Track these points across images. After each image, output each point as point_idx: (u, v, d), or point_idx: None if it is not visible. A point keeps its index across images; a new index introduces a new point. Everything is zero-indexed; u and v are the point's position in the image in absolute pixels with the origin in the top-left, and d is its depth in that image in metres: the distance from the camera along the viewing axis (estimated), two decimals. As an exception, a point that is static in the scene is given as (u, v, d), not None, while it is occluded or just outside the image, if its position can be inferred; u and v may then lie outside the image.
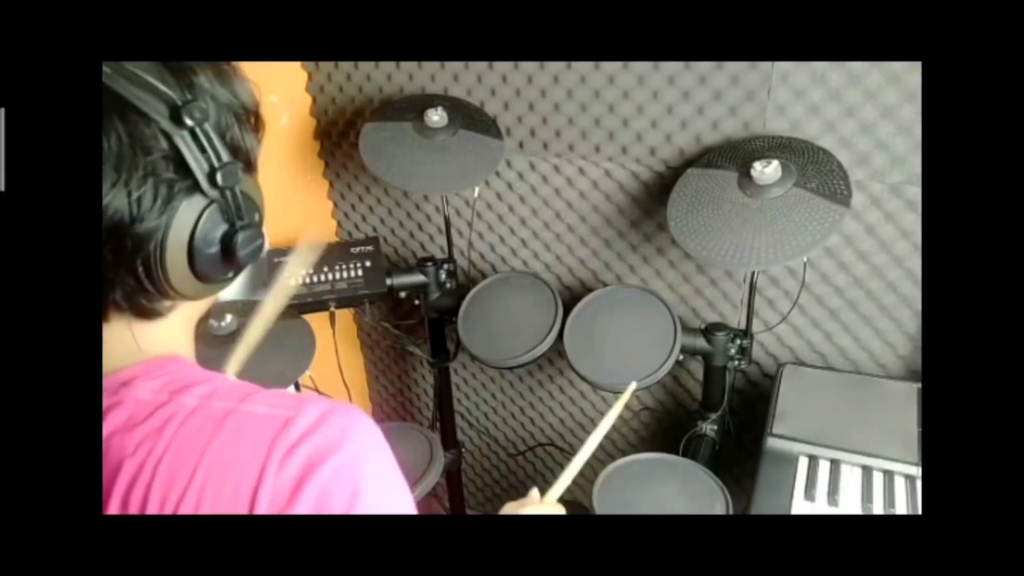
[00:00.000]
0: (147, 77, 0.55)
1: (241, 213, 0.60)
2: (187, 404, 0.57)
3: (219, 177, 0.57)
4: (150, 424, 0.56)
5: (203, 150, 0.57)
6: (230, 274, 0.63)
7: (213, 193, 0.58)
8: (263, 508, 0.54)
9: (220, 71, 0.61)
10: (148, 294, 0.58)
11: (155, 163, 0.55)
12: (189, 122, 0.55)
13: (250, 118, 0.63)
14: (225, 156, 0.58)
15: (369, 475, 0.59)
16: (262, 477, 0.54)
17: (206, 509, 0.54)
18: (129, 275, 0.56)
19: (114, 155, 0.53)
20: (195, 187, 0.57)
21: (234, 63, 0.63)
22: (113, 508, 0.55)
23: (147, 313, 0.60)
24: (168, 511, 0.54)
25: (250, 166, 0.63)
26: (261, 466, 0.55)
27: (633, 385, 1.15)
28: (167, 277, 0.57)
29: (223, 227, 0.60)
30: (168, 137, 0.55)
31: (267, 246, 0.66)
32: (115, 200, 0.53)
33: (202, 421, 0.57)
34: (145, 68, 0.55)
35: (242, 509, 0.54)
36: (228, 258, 0.61)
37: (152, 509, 0.55)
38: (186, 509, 0.54)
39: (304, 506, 0.55)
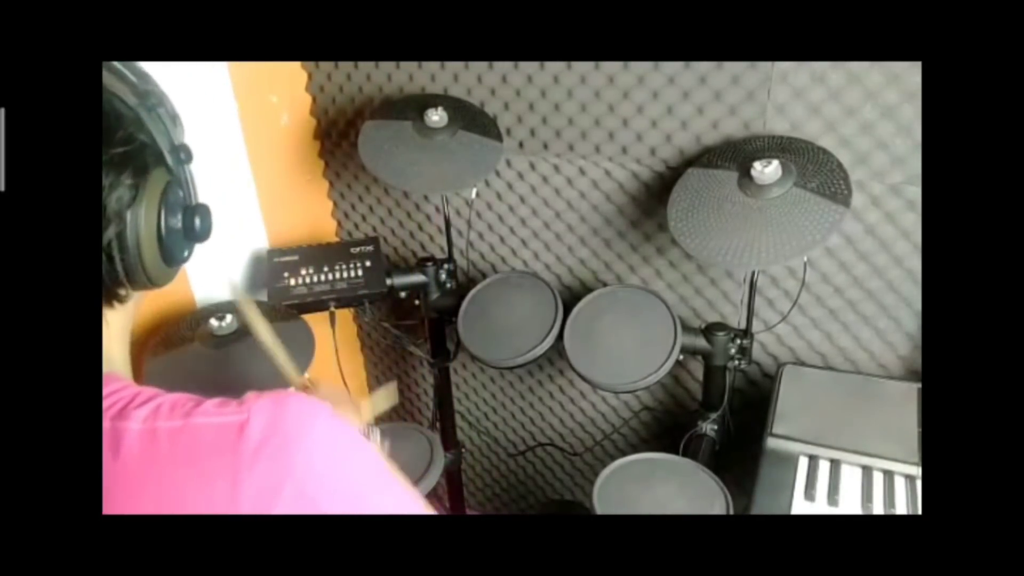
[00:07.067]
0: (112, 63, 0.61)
1: (195, 192, 0.66)
2: (132, 429, 0.56)
3: (183, 153, 0.63)
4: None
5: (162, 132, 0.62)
6: (185, 253, 0.67)
7: (177, 169, 0.63)
8: (247, 511, 0.55)
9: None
10: (113, 271, 0.61)
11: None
12: (152, 101, 0.61)
13: (177, 123, 0.68)
14: (182, 137, 0.63)
15: (343, 448, 0.61)
16: (236, 485, 0.54)
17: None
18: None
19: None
20: (160, 160, 0.62)
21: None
22: None
23: (107, 296, 0.63)
24: None
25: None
26: (232, 474, 0.54)
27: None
28: (139, 240, 0.60)
29: (183, 204, 0.65)
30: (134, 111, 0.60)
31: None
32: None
33: (152, 444, 0.56)
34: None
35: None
36: (188, 234, 0.65)
37: None
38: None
39: (289, 499, 0.55)
